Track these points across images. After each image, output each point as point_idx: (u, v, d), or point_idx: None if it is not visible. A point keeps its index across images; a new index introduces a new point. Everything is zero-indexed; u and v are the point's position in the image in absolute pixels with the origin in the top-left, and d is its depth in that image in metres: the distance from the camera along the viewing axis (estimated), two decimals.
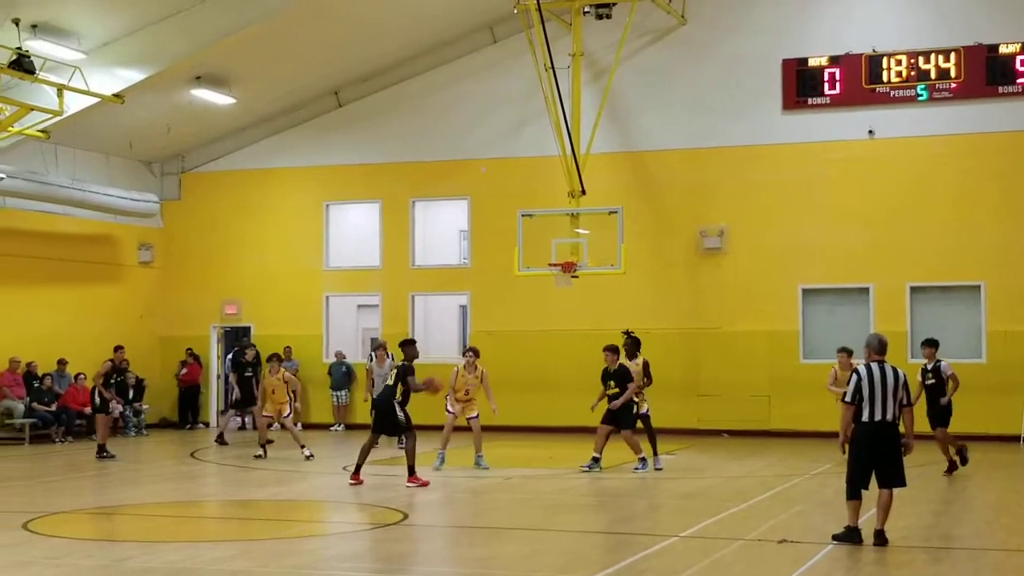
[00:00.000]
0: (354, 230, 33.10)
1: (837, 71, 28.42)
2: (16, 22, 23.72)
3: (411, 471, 18.97)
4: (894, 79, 28.03)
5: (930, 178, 27.93)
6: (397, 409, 19.01)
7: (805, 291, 28.66)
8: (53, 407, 28.10)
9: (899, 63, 27.99)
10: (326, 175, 32.27)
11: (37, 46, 24.37)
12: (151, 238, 32.74)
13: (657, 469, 20.86)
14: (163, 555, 12.95)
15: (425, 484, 18.78)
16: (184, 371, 32.16)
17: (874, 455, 13.36)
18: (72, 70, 25.04)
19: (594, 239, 26.96)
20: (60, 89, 24.90)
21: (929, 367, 20.63)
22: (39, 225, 29.30)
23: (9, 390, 27.82)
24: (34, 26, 24.27)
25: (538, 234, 27.05)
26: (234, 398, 27.26)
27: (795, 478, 20.01)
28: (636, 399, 20.84)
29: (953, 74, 27.62)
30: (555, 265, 26.66)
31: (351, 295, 33.01)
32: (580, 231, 27.25)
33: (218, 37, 26.30)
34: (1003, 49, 27.43)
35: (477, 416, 21.52)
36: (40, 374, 28.49)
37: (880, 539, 13.30)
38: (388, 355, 25.57)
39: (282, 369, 24.34)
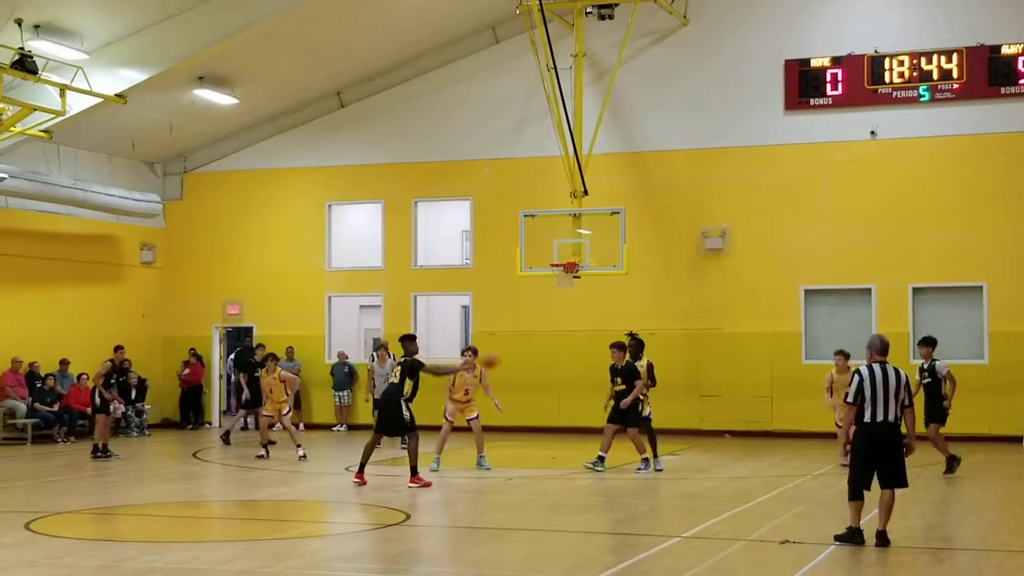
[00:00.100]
0: (356, 230, 33.11)
1: (839, 72, 28.42)
2: (19, 22, 23.73)
3: (413, 471, 18.96)
4: (896, 80, 28.03)
5: (932, 179, 27.93)
6: (403, 407, 18.94)
7: (807, 292, 28.66)
8: (55, 407, 28.12)
9: (901, 64, 27.99)
10: (328, 175, 32.28)
11: (40, 46, 24.39)
12: (153, 238, 32.75)
13: (657, 470, 20.85)
14: (165, 555, 12.96)
15: (427, 485, 18.79)
16: (187, 371, 32.17)
17: (875, 456, 13.36)
18: (75, 70, 25.06)
19: (596, 239, 26.97)
20: (62, 89, 24.92)
21: (925, 366, 20.60)
22: (41, 225, 29.32)
23: (11, 390, 27.84)
24: (37, 26, 24.29)
25: (540, 234, 27.06)
26: (244, 398, 27.21)
27: (797, 479, 20.00)
28: (641, 398, 20.84)
29: (955, 75, 27.61)
30: (557, 266, 26.67)
31: (353, 295, 33.02)
32: (582, 231, 27.26)
33: (220, 37, 26.32)
34: (1005, 50, 27.42)
35: (477, 417, 21.51)
36: (42, 374, 28.50)
37: (882, 540, 13.30)
38: (389, 355, 25.58)
39: (278, 368, 24.35)
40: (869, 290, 28.21)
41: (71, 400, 28.12)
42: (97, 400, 24.08)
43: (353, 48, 29.84)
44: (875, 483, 13.45)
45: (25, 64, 23.58)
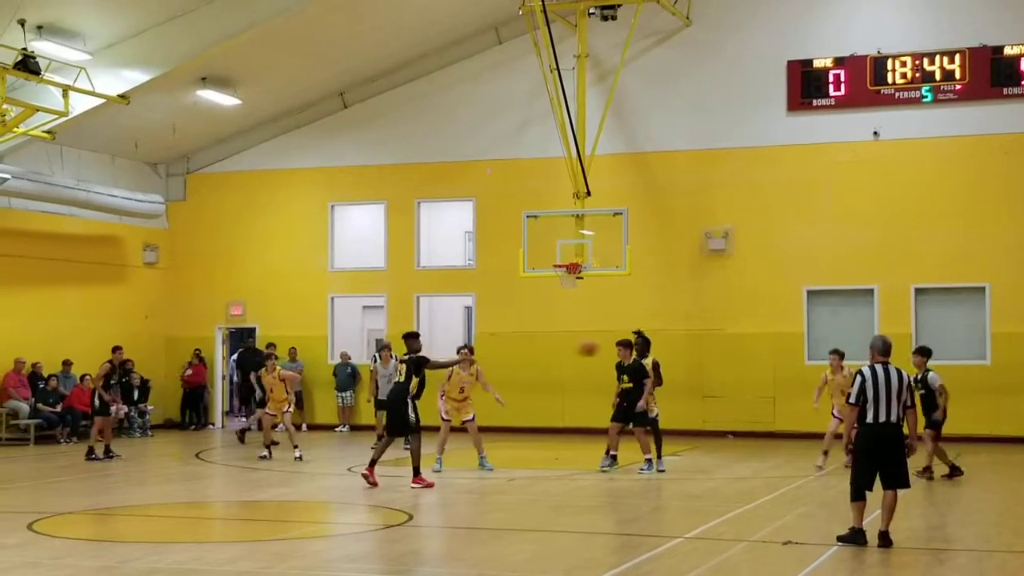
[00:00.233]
0: (359, 231, 33.12)
1: (842, 72, 28.43)
2: (22, 23, 23.73)
3: (416, 472, 18.96)
4: (899, 80, 28.03)
5: (935, 180, 27.93)
6: (410, 406, 18.90)
7: (810, 292, 28.66)
8: (58, 408, 28.14)
9: (904, 64, 27.99)
10: (331, 176, 32.29)
11: (43, 47, 24.40)
12: (156, 239, 32.77)
13: (660, 471, 20.85)
14: (168, 556, 12.97)
15: (430, 485, 18.79)
16: (190, 372, 32.17)
17: (878, 457, 13.36)
18: (77, 71, 25.07)
19: (599, 240, 26.98)
20: (65, 90, 24.92)
21: (918, 377, 20.26)
22: (44, 226, 29.33)
23: (14, 391, 27.86)
24: (40, 27, 24.30)
25: (543, 235, 27.08)
26: (259, 397, 27.16)
27: (800, 479, 20.00)
28: (647, 397, 20.85)
29: (958, 76, 27.61)
30: (560, 266, 26.69)
31: (356, 296, 33.02)
32: (585, 232, 27.27)
33: (223, 38, 26.32)
34: (1008, 51, 27.43)
35: (473, 419, 21.50)
36: (45, 375, 28.52)
37: (885, 541, 13.30)
38: (392, 355, 25.59)
39: (278, 367, 24.36)
40: (871, 291, 28.22)
41: (74, 401, 28.13)
42: (96, 402, 24.06)
43: (356, 49, 29.85)
44: (877, 484, 13.45)
45: (28, 65, 23.59)
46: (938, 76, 27.76)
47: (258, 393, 27.02)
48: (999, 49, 27.47)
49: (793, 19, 29.08)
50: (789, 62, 28.84)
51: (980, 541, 14.28)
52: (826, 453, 20.81)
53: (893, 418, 13.31)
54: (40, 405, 27.90)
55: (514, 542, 14.26)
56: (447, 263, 32.32)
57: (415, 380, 18.98)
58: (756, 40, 29.19)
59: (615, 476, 20.69)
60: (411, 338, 19.45)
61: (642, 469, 20.79)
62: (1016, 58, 27.36)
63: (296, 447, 23.49)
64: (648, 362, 21.14)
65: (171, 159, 33.28)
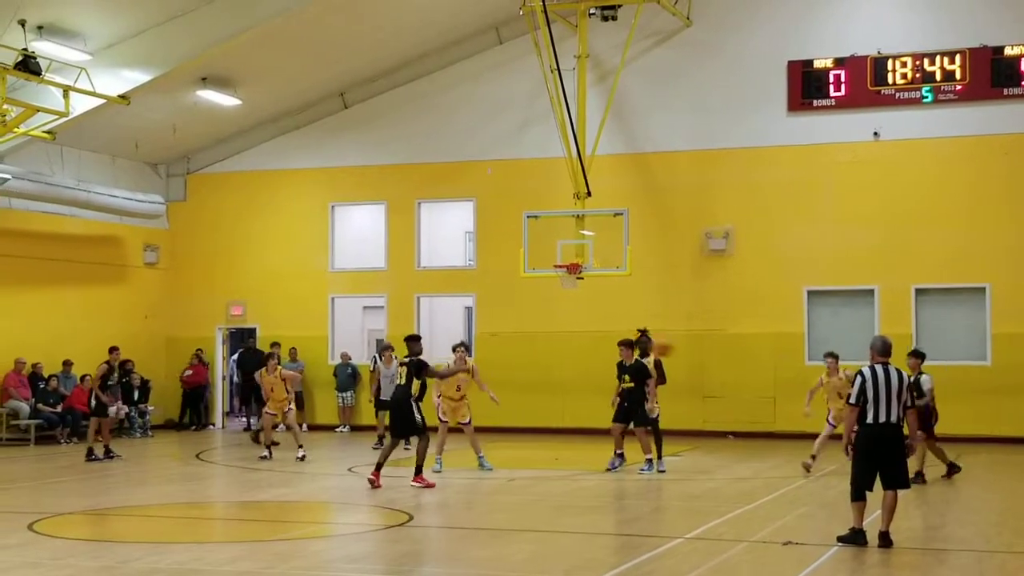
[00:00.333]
0: (359, 231, 33.13)
1: (842, 73, 28.43)
2: (22, 23, 23.72)
3: (418, 471, 19.00)
4: (899, 81, 28.03)
5: (935, 180, 27.93)
6: (415, 408, 18.91)
7: (810, 293, 28.67)
8: (58, 408, 28.14)
9: (904, 65, 28.00)
10: (332, 176, 32.30)
11: (43, 47, 24.40)
12: (156, 239, 32.77)
13: (660, 471, 20.84)
14: (169, 556, 12.97)
15: (431, 486, 18.80)
16: (190, 372, 32.16)
17: (878, 457, 13.36)
18: (78, 71, 25.07)
19: (599, 241, 26.99)
20: (66, 90, 24.92)
21: (911, 379, 20.16)
22: (44, 226, 29.33)
23: (15, 391, 27.86)
24: (40, 27, 24.30)
25: (543, 236, 27.09)
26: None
27: (800, 480, 20.01)
28: (645, 400, 20.85)
29: (958, 76, 27.62)
30: (560, 267, 26.69)
31: (356, 296, 33.03)
32: (585, 232, 27.27)
33: (223, 38, 26.32)
34: (1008, 51, 27.44)
35: (469, 421, 21.51)
36: (45, 375, 28.52)
37: (885, 541, 13.30)
38: (395, 357, 25.58)
39: (279, 367, 24.37)
40: (872, 291, 28.22)
41: (74, 401, 28.13)
42: (93, 403, 24.06)
43: (356, 49, 29.86)
44: (878, 484, 13.45)
45: (28, 65, 23.59)
46: (938, 76, 27.77)
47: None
48: (999, 49, 27.48)
49: (793, 19, 29.09)
50: (789, 62, 28.85)
51: (980, 541, 14.28)
52: (814, 457, 20.78)
53: (893, 418, 13.31)
54: (40, 405, 27.91)
55: (514, 542, 14.26)
56: (447, 263, 32.33)
57: (416, 383, 18.98)
58: (756, 40, 29.20)
59: (616, 477, 20.68)
60: (412, 341, 19.43)
61: (642, 469, 20.80)
62: (1016, 58, 27.36)
63: (300, 447, 23.52)
64: (650, 361, 21.15)
65: (171, 159, 33.28)
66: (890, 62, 28.09)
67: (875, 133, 28.30)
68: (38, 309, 29.19)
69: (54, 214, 29.36)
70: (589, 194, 27.45)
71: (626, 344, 21.05)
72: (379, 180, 31.83)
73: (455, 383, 21.36)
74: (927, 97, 27.86)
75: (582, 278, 26.95)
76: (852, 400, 13.47)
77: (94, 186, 29.48)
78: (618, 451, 21.22)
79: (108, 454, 23.85)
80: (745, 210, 29.08)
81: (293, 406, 24.38)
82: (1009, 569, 12.78)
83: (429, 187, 31.56)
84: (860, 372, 13.53)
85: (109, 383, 24.40)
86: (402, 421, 19.06)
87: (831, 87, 28.49)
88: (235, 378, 33.29)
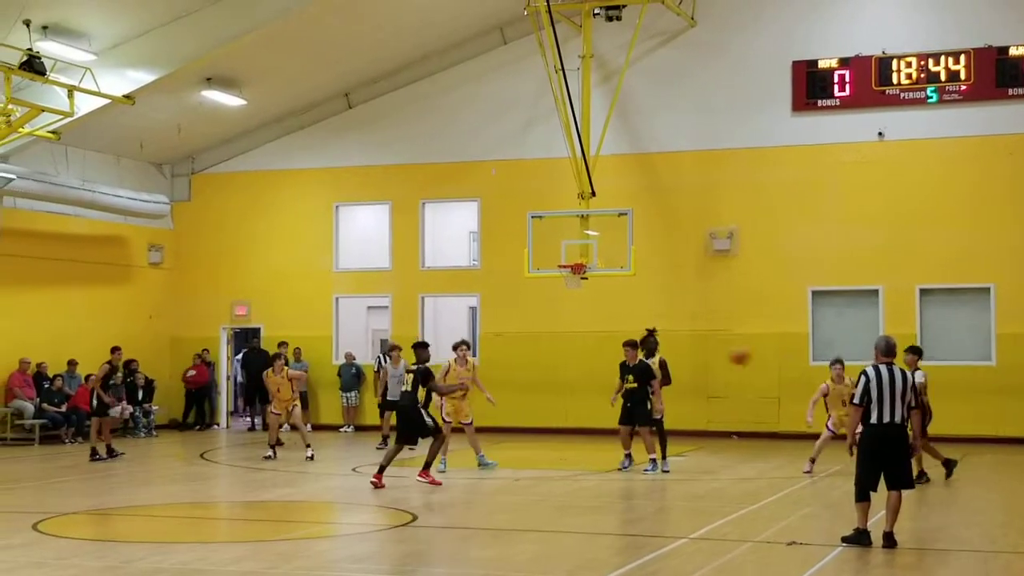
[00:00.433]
0: (364, 231, 33.13)
1: (847, 73, 28.41)
2: (27, 23, 23.75)
3: (426, 466, 19.11)
4: (904, 81, 28.01)
5: (940, 180, 27.90)
6: (424, 414, 18.98)
7: (814, 293, 28.65)
8: (63, 408, 28.16)
9: (909, 65, 27.97)
10: (336, 176, 32.30)
11: (48, 47, 24.42)
12: (161, 239, 32.78)
13: (664, 471, 20.84)
14: (172, 556, 12.98)
15: (436, 483, 18.84)
16: (193, 373, 32.15)
17: (882, 457, 13.35)
18: (83, 71, 25.09)
19: (603, 241, 26.98)
20: (71, 90, 24.95)
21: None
22: (49, 226, 29.35)
23: (19, 391, 27.89)
24: (45, 27, 24.32)
25: (548, 236, 27.07)
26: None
27: (804, 480, 20.00)
28: (651, 397, 20.85)
29: (963, 76, 27.59)
30: (565, 267, 26.69)
31: (361, 296, 33.03)
32: (590, 233, 27.26)
33: (228, 39, 26.33)
34: (1013, 51, 27.40)
35: (471, 422, 21.53)
36: (50, 375, 28.54)
37: (889, 541, 13.29)
38: (402, 359, 25.60)
39: (286, 368, 24.38)
40: (876, 291, 28.19)
41: (79, 401, 28.13)
42: (94, 402, 24.09)
43: (360, 49, 29.86)
44: (882, 485, 13.44)
45: (33, 65, 23.61)
46: (943, 77, 27.74)
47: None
48: (1004, 50, 27.44)
49: (798, 20, 29.06)
50: (794, 63, 28.83)
51: (985, 542, 14.26)
52: (813, 460, 20.75)
53: (897, 419, 13.30)
54: (45, 405, 27.93)
55: (518, 542, 14.26)
56: (452, 263, 32.34)
57: (422, 390, 19.03)
58: (761, 41, 29.18)
59: (620, 477, 20.68)
60: (420, 348, 19.48)
61: (647, 470, 20.79)
62: (1021, 59, 27.33)
63: (308, 447, 23.57)
64: (655, 361, 21.15)
65: (176, 159, 33.30)
66: (895, 62, 28.07)
67: (879, 133, 28.27)
68: (43, 309, 29.20)
69: (59, 214, 29.39)
70: (593, 194, 27.45)
71: (631, 345, 21.06)
72: (383, 180, 31.83)
73: (456, 381, 21.33)
74: (932, 97, 27.83)
75: (586, 278, 26.94)
76: (856, 400, 13.46)
77: (99, 186, 29.50)
78: (626, 452, 21.23)
79: (111, 453, 23.88)
80: (749, 210, 29.06)
81: (298, 406, 24.37)
82: (1014, 570, 12.77)
83: (433, 187, 31.56)
84: (864, 372, 13.52)
85: (111, 383, 24.40)
86: (408, 426, 19.07)
87: (835, 87, 28.47)
88: (239, 378, 33.32)
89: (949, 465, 20.02)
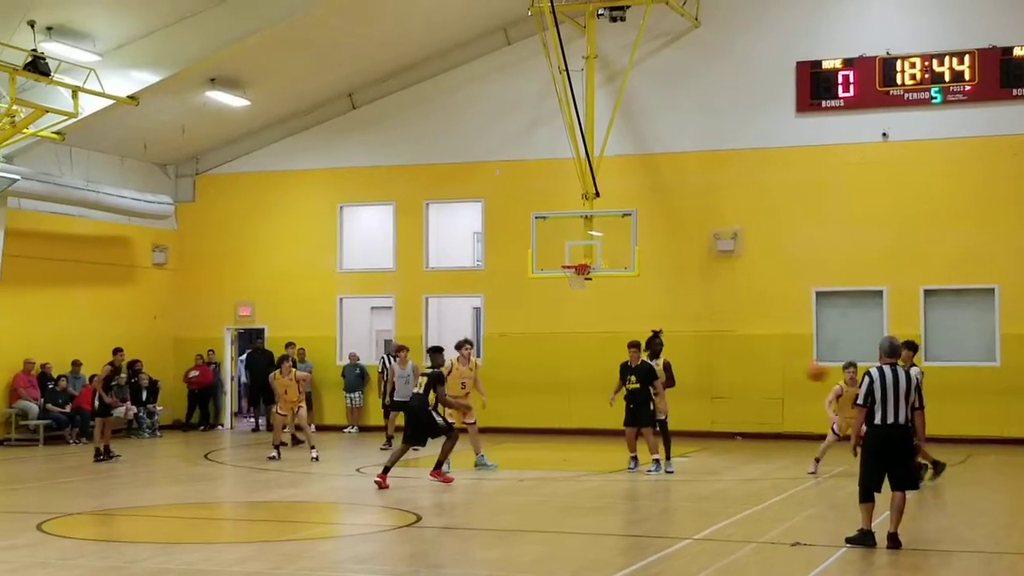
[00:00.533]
0: (368, 232, 33.13)
1: (851, 73, 28.39)
2: (32, 24, 23.76)
3: (438, 466, 19.19)
4: (908, 81, 27.99)
5: (944, 181, 27.88)
6: (435, 416, 19.15)
7: (819, 294, 28.63)
8: (67, 408, 28.19)
9: (913, 65, 27.95)
10: (340, 177, 32.31)
11: (52, 48, 24.43)
12: (165, 240, 32.80)
13: (668, 472, 20.84)
14: (177, 556, 12.99)
15: (448, 481, 18.93)
16: (196, 373, 32.14)
17: (886, 458, 13.35)
18: (87, 72, 25.09)
19: (608, 241, 26.96)
20: (75, 91, 24.95)
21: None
22: (53, 227, 29.37)
23: (24, 391, 27.90)
24: (49, 28, 24.33)
25: (552, 236, 27.06)
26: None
27: (808, 481, 19.99)
28: (654, 398, 20.86)
29: (967, 76, 27.57)
30: (569, 267, 26.66)
31: (365, 297, 33.03)
32: (594, 233, 27.24)
33: (232, 40, 26.34)
34: (1017, 51, 27.36)
35: (475, 423, 21.54)
36: (54, 376, 28.56)
37: (894, 542, 13.29)
38: (410, 360, 25.66)
39: (294, 369, 24.40)
40: (880, 292, 28.17)
41: (83, 401, 28.13)
42: (96, 403, 24.10)
43: (365, 50, 29.87)
44: (886, 485, 13.45)
45: (38, 66, 23.61)
46: (947, 77, 27.72)
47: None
48: (1008, 50, 27.42)
49: (802, 20, 29.05)
50: (798, 63, 28.81)
51: (990, 543, 14.26)
52: (817, 460, 20.73)
53: (901, 419, 13.30)
54: (49, 406, 27.95)
55: (522, 543, 14.27)
56: (456, 264, 32.34)
57: (432, 394, 19.16)
58: (765, 41, 29.17)
59: (623, 478, 20.68)
60: (435, 353, 19.73)
61: (650, 470, 20.80)
62: None
63: (313, 448, 23.59)
64: (660, 363, 21.16)
65: (180, 160, 33.31)
66: (899, 63, 28.04)
67: (884, 134, 28.26)
68: (47, 309, 29.21)
69: (63, 215, 29.41)
70: (597, 195, 27.44)
71: (635, 346, 21.08)
72: (387, 181, 31.83)
73: (459, 380, 21.38)
74: (936, 98, 27.81)
75: (590, 279, 26.91)
76: (860, 401, 13.46)
77: (103, 187, 29.53)
78: (632, 454, 21.23)
79: (108, 454, 23.86)
80: (753, 211, 29.05)
81: (304, 407, 24.38)
82: (1019, 571, 12.77)
83: (437, 188, 31.56)
84: (868, 373, 13.52)
85: (113, 383, 24.39)
86: (418, 428, 19.19)
87: (840, 88, 28.46)
88: (243, 378, 33.33)
89: (938, 467, 19.90)
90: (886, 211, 28.04)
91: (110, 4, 25.05)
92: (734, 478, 21.02)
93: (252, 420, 32.52)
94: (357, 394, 31.25)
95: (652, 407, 20.86)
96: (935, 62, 27.79)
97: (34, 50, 23.74)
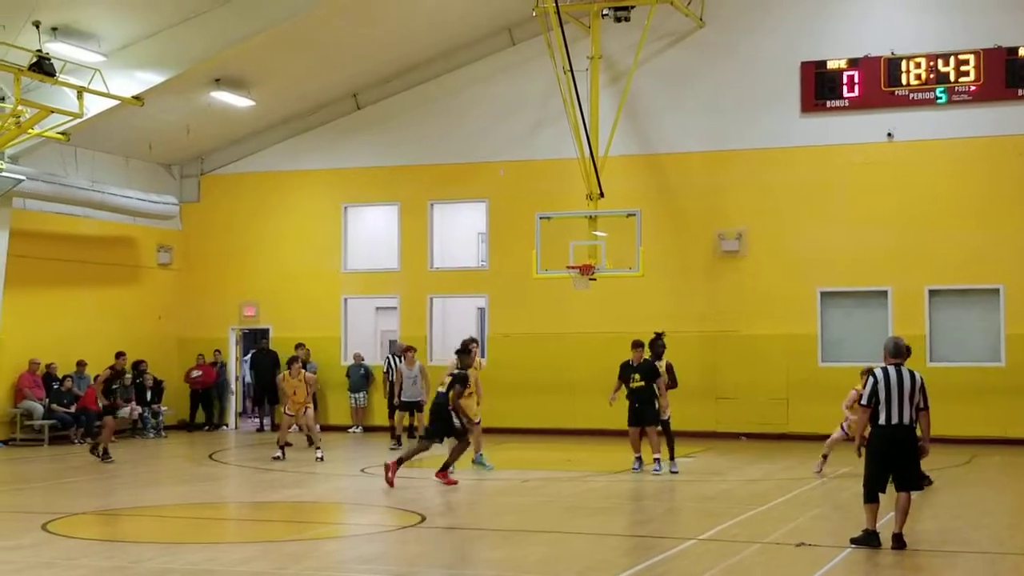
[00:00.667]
0: (372, 232, 33.15)
1: (856, 74, 28.38)
2: (37, 25, 23.76)
3: (445, 467, 19.22)
4: (913, 82, 27.97)
5: (949, 181, 27.87)
6: (454, 416, 19.33)
7: (823, 294, 28.62)
8: (72, 409, 28.20)
9: (918, 66, 27.94)
10: (344, 177, 32.32)
11: (57, 48, 24.44)
12: (170, 240, 32.82)
13: (672, 472, 20.83)
14: (182, 556, 13.00)
15: (453, 483, 18.94)
16: (199, 373, 32.13)
17: (890, 458, 13.34)
18: (92, 72, 25.09)
19: (612, 242, 26.98)
20: (80, 91, 24.94)
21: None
22: (59, 227, 29.39)
23: (29, 391, 27.92)
24: (54, 29, 24.35)
25: (556, 237, 27.08)
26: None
27: (813, 481, 19.98)
28: (656, 399, 20.87)
29: (972, 77, 27.55)
30: (573, 268, 26.68)
31: (369, 297, 33.05)
32: (598, 233, 27.25)
33: (237, 40, 26.35)
34: (1022, 52, 27.35)
35: (479, 422, 21.58)
36: (59, 376, 28.58)
37: (898, 543, 13.28)
38: (416, 360, 25.72)
39: (303, 371, 24.42)
40: (885, 292, 28.16)
41: (87, 401, 28.15)
42: (101, 404, 24.14)
43: (369, 51, 29.88)
44: (890, 486, 13.44)
45: (43, 66, 23.62)
46: (952, 77, 27.70)
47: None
48: (1014, 50, 27.41)
49: (807, 20, 29.04)
50: (803, 63, 28.80)
51: (994, 543, 14.25)
52: (825, 457, 20.71)
53: (906, 420, 13.29)
54: (54, 406, 27.97)
55: (527, 544, 14.27)
56: (460, 264, 32.34)
57: (452, 394, 19.33)
58: (769, 41, 29.16)
59: (627, 478, 20.68)
60: (464, 354, 20.02)
61: (655, 470, 20.80)
62: None
63: (318, 448, 23.61)
64: (662, 364, 21.17)
65: (185, 160, 33.34)
66: (904, 63, 28.03)
67: (889, 134, 28.24)
68: (52, 310, 29.24)
69: (68, 215, 29.43)
70: (602, 195, 27.43)
71: (639, 344, 21.11)
72: (392, 181, 31.84)
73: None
74: (941, 98, 27.80)
75: (595, 279, 26.93)
76: (864, 401, 13.47)
77: (108, 187, 29.55)
78: (637, 454, 21.24)
79: (94, 449, 23.89)
80: (758, 211, 29.04)
81: (311, 408, 24.38)
82: (1022, 571, 12.75)
83: (442, 188, 31.57)
84: (872, 373, 13.53)
85: (114, 387, 24.35)
86: (442, 424, 19.47)
87: (844, 88, 28.44)
88: (247, 378, 33.34)
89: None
90: (891, 211, 28.02)
91: (115, 5, 25.07)
92: (739, 478, 21.02)
93: (257, 420, 32.53)
94: (361, 394, 31.25)
95: (657, 405, 20.87)
96: (940, 62, 27.78)
97: (39, 50, 23.74)
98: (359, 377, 31.24)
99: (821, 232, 28.48)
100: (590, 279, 26.82)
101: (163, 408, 30.62)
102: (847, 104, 28.47)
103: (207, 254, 33.10)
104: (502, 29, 30.68)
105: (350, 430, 31.12)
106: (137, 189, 30.84)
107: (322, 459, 23.25)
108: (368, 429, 30.93)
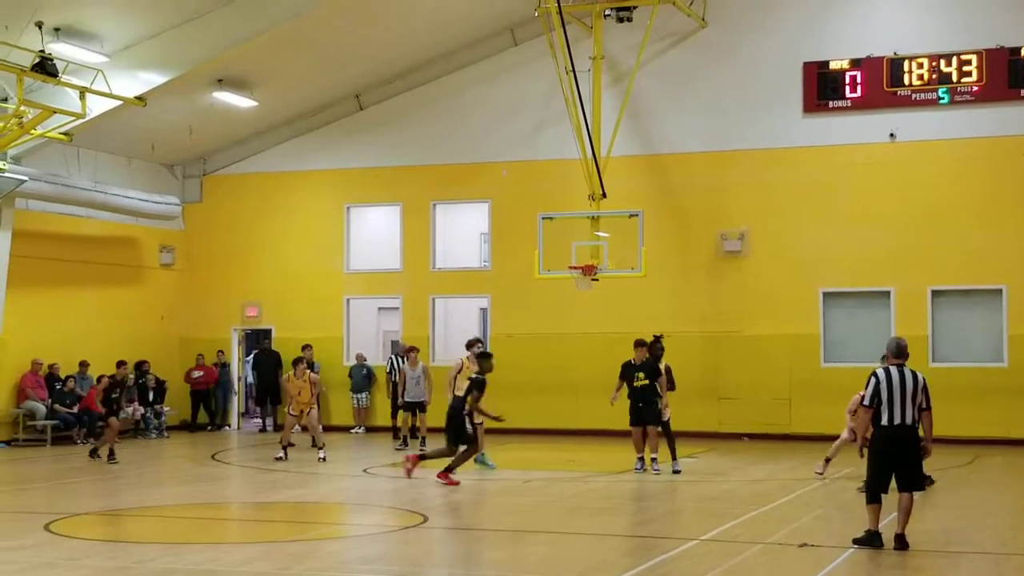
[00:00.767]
0: (375, 233, 33.16)
1: (858, 74, 28.38)
2: (39, 25, 23.78)
3: (449, 469, 19.20)
4: (915, 82, 27.97)
5: (952, 181, 27.86)
6: (467, 420, 19.41)
7: (826, 294, 28.62)
8: (75, 409, 28.21)
9: (920, 66, 27.93)
10: (347, 178, 32.33)
11: (60, 49, 24.45)
12: (172, 240, 32.84)
13: (675, 472, 20.82)
14: (184, 557, 13.00)
15: (455, 483, 18.95)
16: (200, 374, 32.12)
17: (893, 459, 13.33)
18: (95, 73, 25.10)
19: (614, 242, 26.98)
20: (83, 92, 24.95)
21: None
22: (61, 227, 29.41)
23: (31, 392, 27.94)
24: (57, 29, 24.36)
25: (558, 237, 27.07)
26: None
27: (815, 482, 19.97)
28: (658, 398, 20.88)
29: (975, 77, 27.54)
30: (575, 268, 26.68)
31: (372, 298, 33.06)
32: (600, 234, 27.25)
33: (240, 40, 26.36)
34: None
35: (482, 422, 21.56)
36: (62, 376, 28.58)
37: (901, 543, 13.28)
38: (419, 361, 25.72)
39: (308, 371, 24.41)
40: (888, 293, 28.16)
41: (90, 402, 28.16)
42: (102, 407, 24.19)
43: (371, 51, 29.88)
44: (893, 486, 13.44)
45: (46, 67, 23.62)
46: (955, 77, 27.70)
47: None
48: (1016, 50, 27.39)
49: (809, 20, 29.04)
50: (805, 64, 28.80)
51: (996, 544, 14.24)
52: (828, 460, 20.69)
53: (908, 420, 13.28)
54: (57, 406, 27.98)
55: (528, 544, 14.27)
56: (463, 265, 32.35)
57: (470, 399, 19.45)
58: (772, 42, 29.16)
59: (629, 479, 20.68)
60: (484, 358, 20.08)
61: (656, 469, 20.81)
62: None
63: (321, 448, 23.61)
64: (660, 367, 21.18)
65: (187, 161, 33.35)
66: (906, 63, 28.03)
67: (891, 134, 28.24)
68: (54, 310, 29.26)
69: (71, 215, 29.45)
70: (604, 195, 27.44)
71: (641, 344, 21.14)
72: (394, 181, 31.85)
73: (467, 379, 21.40)
74: (943, 98, 27.79)
75: (597, 279, 26.94)
76: (866, 402, 13.45)
77: (110, 187, 29.57)
78: (639, 454, 21.24)
79: (93, 452, 23.91)
80: (760, 211, 29.04)
81: (315, 409, 24.37)
82: None
83: (444, 188, 31.58)
84: (874, 373, 13.51)
85: (113, 396, 24.31)
86: (455, 429, 19.57)
87: (847, 88, 28.44)
88: (250, 379, 33.35)
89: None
90: (893, 212, 28.02)
91: (117, 5, 25.08)
92: (741, 479, 21.01)
93: (259, 421, 32.54)
94: (364, 395, 31.26)
95: (658, 405, 20.89)
96: (943, 62, 27.77)
97: (42, 51, 23.75)
98: (361, 377, 31.24)
99: (824, 232, 28.47)
100: (592, 279, 26.83)
101: (165, 408, 30.62)
102: (849, 104, 28.46)
103: (210, 254, 33.11)
104: (504, 29, 30.69)
105: (352, 430, 31.13)
106: (139, 189, 30.86)
107: (324, 459, 23.25)
108: (371, 429, 30.95)
